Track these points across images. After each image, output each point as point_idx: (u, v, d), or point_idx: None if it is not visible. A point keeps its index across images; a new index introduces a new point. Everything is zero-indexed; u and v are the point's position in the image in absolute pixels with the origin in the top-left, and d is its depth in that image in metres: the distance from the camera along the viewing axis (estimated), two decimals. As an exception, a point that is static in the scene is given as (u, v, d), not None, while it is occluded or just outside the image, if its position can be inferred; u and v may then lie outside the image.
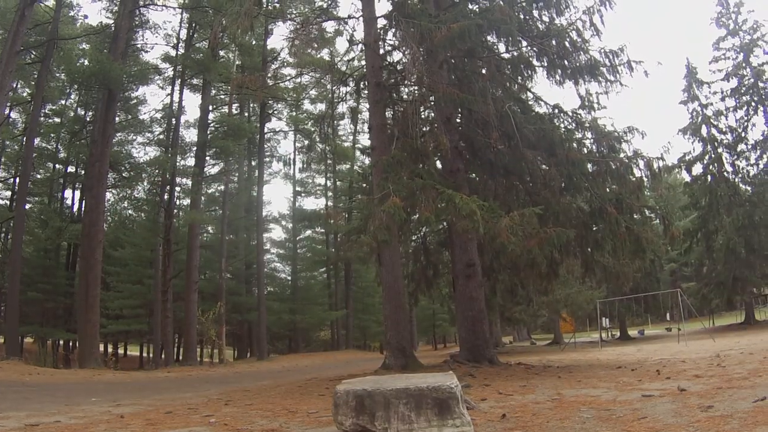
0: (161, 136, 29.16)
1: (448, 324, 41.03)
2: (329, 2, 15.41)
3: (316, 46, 20.62)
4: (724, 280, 27.54)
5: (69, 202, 31.66)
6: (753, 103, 29.07)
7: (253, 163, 34.23)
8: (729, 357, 9.73)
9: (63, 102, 30.49)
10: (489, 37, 12.17)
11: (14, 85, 25.28)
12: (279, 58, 30.08)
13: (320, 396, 7.36)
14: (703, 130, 29.93)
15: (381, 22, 13.42)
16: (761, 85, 28.68)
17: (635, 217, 11.30)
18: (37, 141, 26.62)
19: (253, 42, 27.83)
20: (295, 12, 21.25)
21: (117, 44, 20.56)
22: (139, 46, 26.21)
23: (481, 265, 13.02)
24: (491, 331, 18.17)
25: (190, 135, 30.39)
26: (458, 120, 13.23)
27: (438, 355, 25.54)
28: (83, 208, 26.05)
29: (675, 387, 5.82)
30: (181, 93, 27.42)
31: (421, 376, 4.40)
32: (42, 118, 27.62)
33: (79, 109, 30.67)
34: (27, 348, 25.11)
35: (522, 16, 12.27)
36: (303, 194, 42.75)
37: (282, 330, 36.65)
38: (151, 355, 28.19)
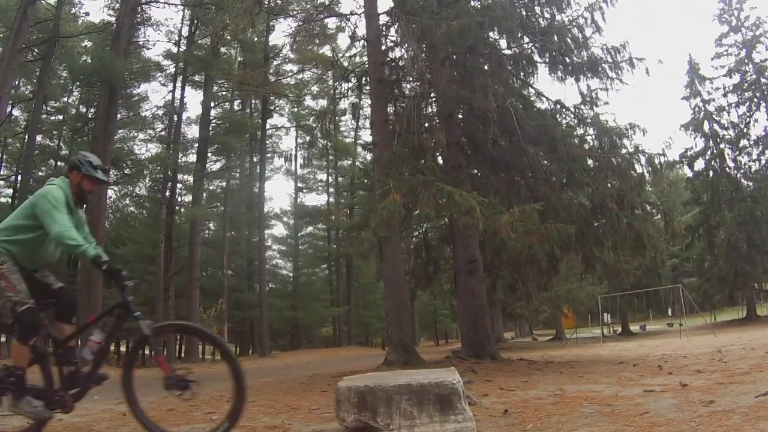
0: (163, 133, 29.21)
1: (449, 320, 41.05)
2: (331, -2, 15.44)
3: (318, 42, 20.67)
4: (726, 276, 27.55)
5: (71, 199, 31.55)
6: (755, 99, 29.06)
7: (255, 160, 34.16)
8: (730, 352, 9.72)
9: (65, 99, 30.41)
10: (491, 33, 12.13)
11: (16, 83, 25.28)
12: (281, 55, 30.00)
13: (322, 392, 7.36)
14: (705, 126, 29.89)
15: (383, 19, 13.42)
16: (763, 81, 28.63)
17: (636, 212, 11.24)
18: (38, 138, 26.60)
19: (255, 38, 27.73)
20: (297, 8, 21.20)
21: (119, 41, 20.52)
22: (141, 43, 26.14)
23: (482, 260, 13.02)
24: (493, 327, 18.15)
25: (192, 131, 30.42)
26: (460, 116, 13.20)
27: (439, 350, 25.56)
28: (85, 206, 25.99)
29: (677, 382, 5.82)
30: (182, 90, 27.48)
31: (423, 372, 4.41)
32: (44, 116, 27.60)
33: (80, 106, 30.59)
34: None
35: (524, 13, 12.24)
36: (304, 190, 42.74)
37: (284, 327, 36.66)
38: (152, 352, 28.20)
